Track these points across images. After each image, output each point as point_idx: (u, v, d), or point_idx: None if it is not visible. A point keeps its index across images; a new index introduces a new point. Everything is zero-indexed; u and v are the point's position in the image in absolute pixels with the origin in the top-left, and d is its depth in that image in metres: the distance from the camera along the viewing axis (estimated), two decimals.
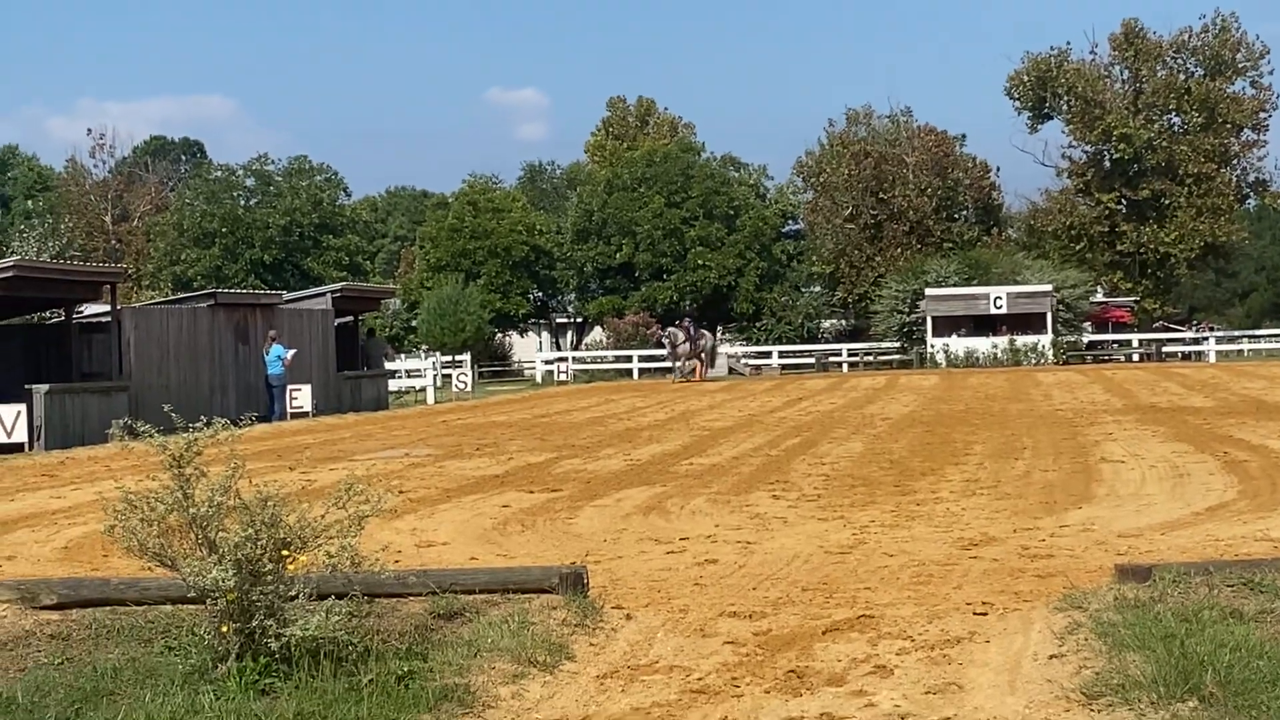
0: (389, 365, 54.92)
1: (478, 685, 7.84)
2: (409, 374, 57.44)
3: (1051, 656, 8.05)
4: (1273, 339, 71.48)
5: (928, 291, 67.13)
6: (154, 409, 9.80)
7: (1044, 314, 65.49)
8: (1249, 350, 70.87)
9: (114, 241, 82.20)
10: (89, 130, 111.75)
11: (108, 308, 35.17)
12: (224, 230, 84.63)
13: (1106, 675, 7.44)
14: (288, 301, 43.24)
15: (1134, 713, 6.90)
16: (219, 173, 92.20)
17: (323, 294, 45.22)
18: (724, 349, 73.34)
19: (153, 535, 8.19)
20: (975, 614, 9.33)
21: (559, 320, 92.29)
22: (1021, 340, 64.77)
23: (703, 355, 57.37)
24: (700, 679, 8.04)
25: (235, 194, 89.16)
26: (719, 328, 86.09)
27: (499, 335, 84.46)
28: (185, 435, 8.29)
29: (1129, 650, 7.74)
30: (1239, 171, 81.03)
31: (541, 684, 8.04)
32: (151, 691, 7.59)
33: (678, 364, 56.76)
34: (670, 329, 58.52)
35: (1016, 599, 9.71)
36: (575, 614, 9.21)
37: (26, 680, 7.93)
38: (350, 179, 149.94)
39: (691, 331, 57.13)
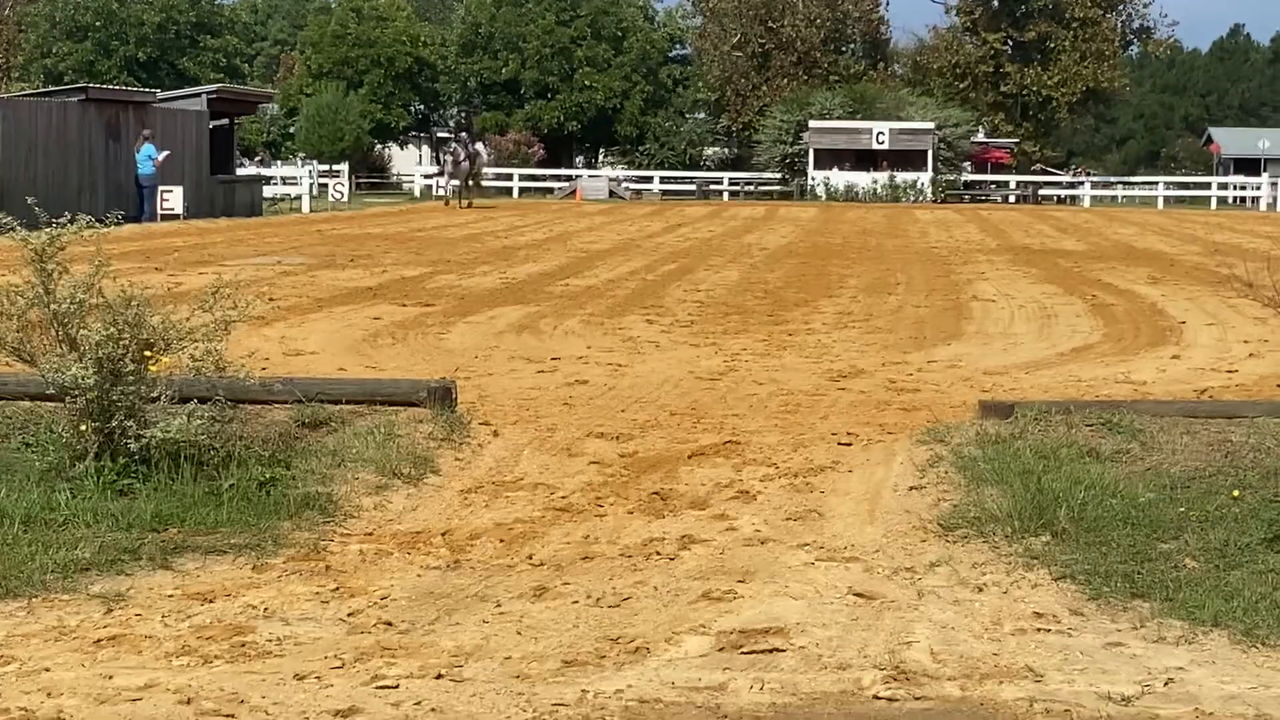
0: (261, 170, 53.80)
1: (341, 495, 7.81)
2: (284, 181, 56.52)
3: (911, 488, 8.15)
4: (1147, 186, 72.40)
5: (811, 124, 67.00)
6: (18, 203, 9.53)
7: (925, 151, 65.74)
8: (1123, 196, 71.86)
9: None
10: None
11: None
12: (97, 24, 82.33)
13: (964, 508, 7.55)
14: (161, 101, 42.28)
15: (988, 545, 7.01)
16: None
17: (198, 95, 44.24)
18: (605, 171, 72.88)
19: (11, 330, 8.04)
20: (840, 444, 9.40)
21: (440, 135, 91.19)
22: (901, 177, 64.99)
23: (470, 177, 52.86)
24: (564, 497, 8.07)
25: None
26: (601, 150, 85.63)
27: (378, 147, 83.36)
28: (49, 230, 8.10)
29: (987, 484, 7.85)
30: (1124, 18, 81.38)
31: (405, 496, 8.03)
32: (6, 487, 7.47)
33: (452, 183, 52.95)
34: (454, 146, 53.59)
35: (881, 431, 9.79)
36: (442, 428, 9.18)
37: None
38: None
39: (462, 154, 52.06)
